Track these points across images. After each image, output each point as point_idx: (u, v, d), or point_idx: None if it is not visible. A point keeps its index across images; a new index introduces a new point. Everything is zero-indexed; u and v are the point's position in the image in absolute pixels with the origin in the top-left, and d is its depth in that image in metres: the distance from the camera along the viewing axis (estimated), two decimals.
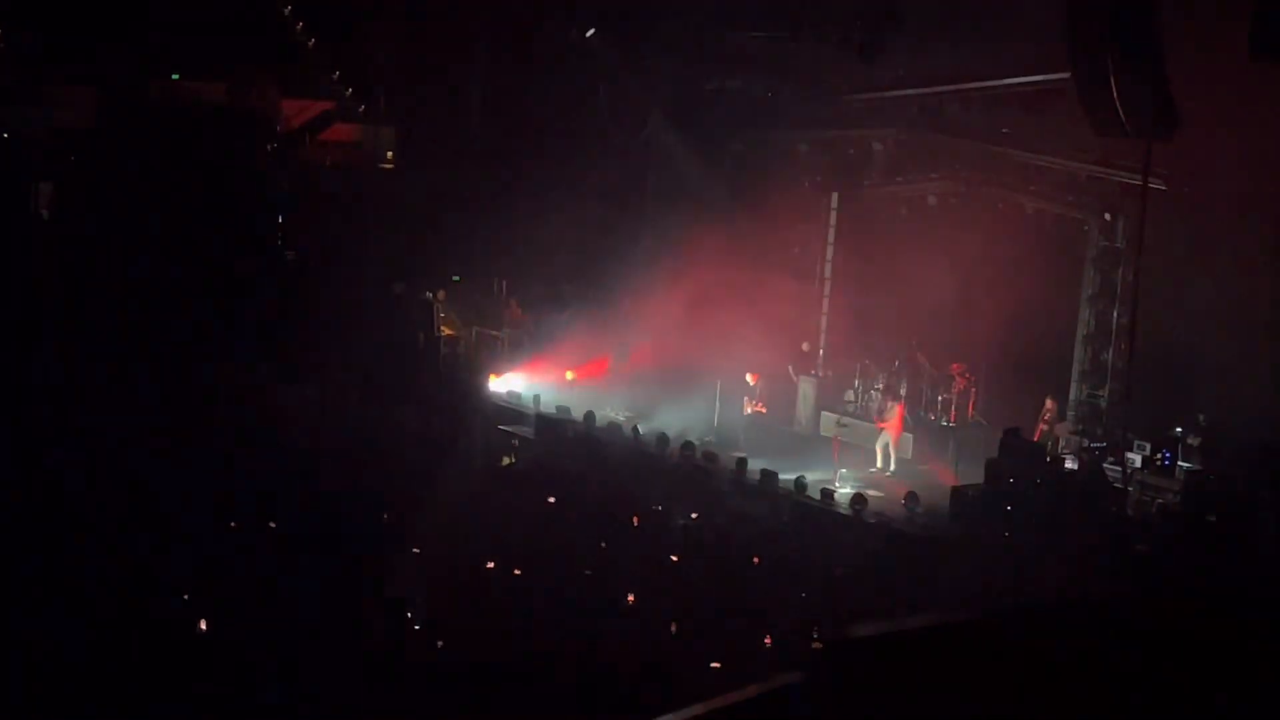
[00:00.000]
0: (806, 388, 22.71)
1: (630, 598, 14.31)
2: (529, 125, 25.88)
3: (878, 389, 21.72)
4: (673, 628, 13.36)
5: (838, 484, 19.18)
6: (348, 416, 20.94)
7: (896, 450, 20.17)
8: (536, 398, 23.14)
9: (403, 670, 12.31)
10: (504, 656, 12.41)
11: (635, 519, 17.55)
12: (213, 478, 16.99)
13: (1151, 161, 17.71)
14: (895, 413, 20.36)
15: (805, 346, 23.47)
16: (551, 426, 22.15)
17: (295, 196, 26.46)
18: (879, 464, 20.04)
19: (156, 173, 24.54)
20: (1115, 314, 19.86)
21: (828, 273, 23.50)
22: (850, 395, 22.22)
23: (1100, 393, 20.06)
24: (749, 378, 22.40)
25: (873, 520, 18.07)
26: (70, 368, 20.06)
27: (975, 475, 18.29)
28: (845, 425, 21.03)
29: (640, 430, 21.66)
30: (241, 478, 17.19)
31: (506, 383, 24.22)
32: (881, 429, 20.39)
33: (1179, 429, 18.33)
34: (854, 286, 22.93)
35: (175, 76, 26.42)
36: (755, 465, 19.61)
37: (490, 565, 15.06)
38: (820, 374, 23.02)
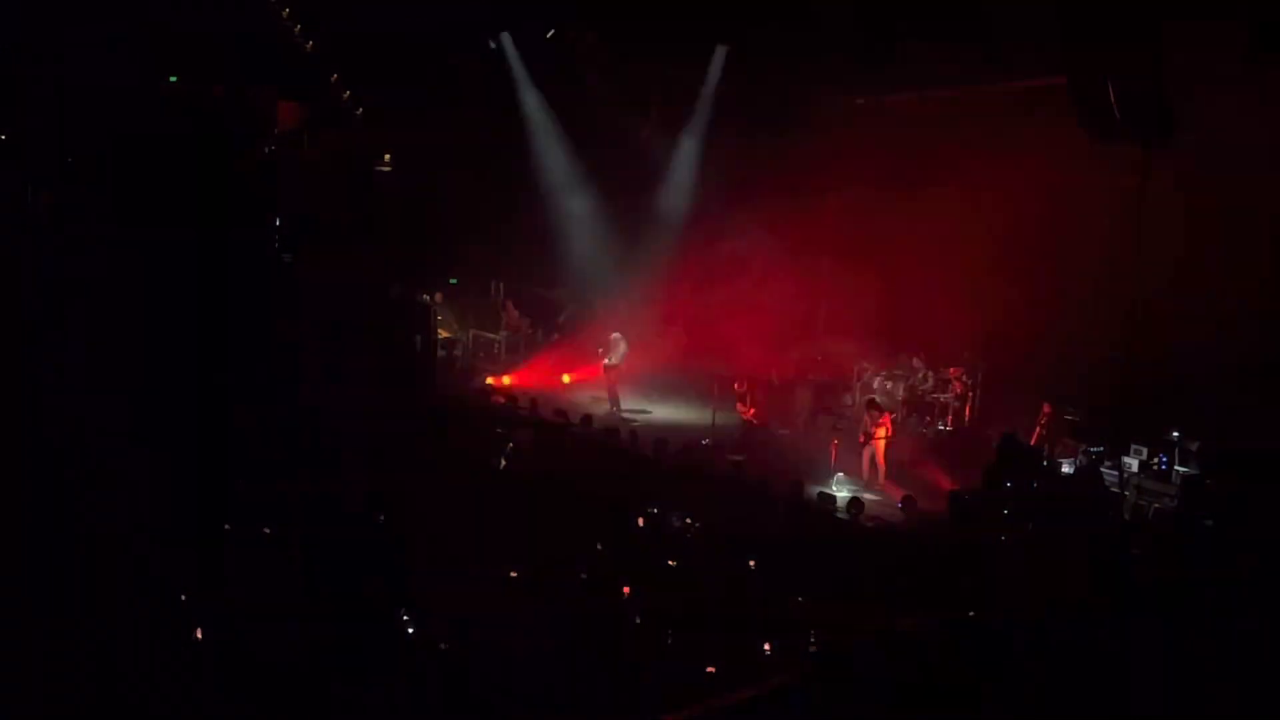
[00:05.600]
0: (804, 391, 22.71)
1: (625, 589, 14.30)
2: (526, 126, 25.91)
3: (873, 390, 21.66)
4: (669, 632, 13.33)
5: (835, 488, 19.16)
6: (343, 419, 20.88)
7: (884, 462, 19.98)
8: (533, 400, 23.14)
9: (401, 672, 12.29)
10: (502, 658, 12.40)
11: (634, 522, 17.51)
12: (206, 480, 16.94)
13: (1149, 165, 17.72)
14: (881, 424, 20.07)
15: (794, 354, 23.38)
16: (548, 429, 22.12)
17: (292, 198, 26.42)
18: (865, 476, 19.86)
19: (152, 174, 24.49)
20: (1113, 317, 19.85)
21: (825, 277, 23.53)
22: (848, 399, 22.21)
23: (1097, 396, 20.06)
24: (736, 386, 22.38)
25: (870, 524, 18.04)
26: (65, 368, 20.00)
27: (972, 479, 18.28)
28: (842, 429, 21.03)
29: (637, 433, 21.64)
30: (236, 481, 17.13)
31: (503, 385, 24.22)
32: (867, 442, 20.17)
33: (1176, 433, 18.34)
34: (851, 291, 22.93)
35: (173, 78, 26.39)
36: (752, 469, 19.59)
37: (487, 568, 15.03)
38: (816, 378, 23.03)
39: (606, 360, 23.68)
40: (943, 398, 21.36)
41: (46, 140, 25.34)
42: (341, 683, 11.73)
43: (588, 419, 22.08)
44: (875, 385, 21.73)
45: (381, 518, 16.46)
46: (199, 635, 12.63)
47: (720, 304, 22.48)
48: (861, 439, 20.08)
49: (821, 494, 18.80)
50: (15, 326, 21.28)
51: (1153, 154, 17.52)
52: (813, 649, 12.28)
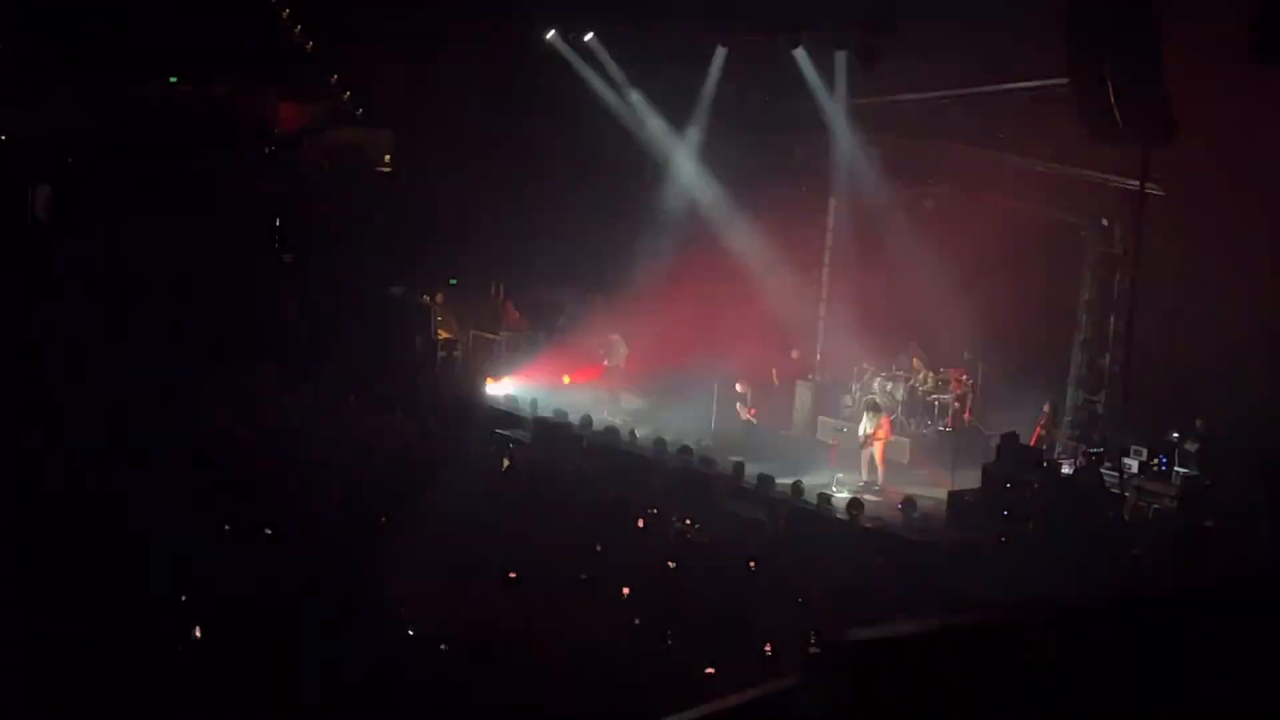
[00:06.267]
0: (804, 392, 22.67)
1: (625, 590, 14.29)
2: (526, 128, 25.85)
3: (873, 391, 21.59)
4: (669, 633, 13.32)
5: (835, 489, 19.14)
6: (344, 420, 20.88)
7: (884, 463, 19.94)
8: (533, 401, 23.11)
9: (401, 674, 12.28)
10: (501, 660, 12.39)
11: (635, 523, 17.49)
12: (207, 482, 16.93)
13: (1149, 167, 17.71)
14: (880, 426, 20.09)
15: (794, 354, 23.42)
16: (548, 430, 22.11)
17: (292, 199, 26.42)
18: (865, 477, 19.81)
19: (153, 176, 24.50)
20: (1113, 319, 19.86)
21: (825, 277, 23.50)
22: (848, 400, 22.17)
23: (1097, 398, 20.07)
24: (738, 386, 22.34)
25: (869, 525, 18.02)
26: (64, 371, 20.00)
27: (972, 480, 18.27)
28: (842, 430, 21.00)
29: (637, 434, 21.62)
30: (236, 482, 17.13)
31: (504, 386, 24.19)
32: (866, 444, 20.09)
33: (1176, 434, 18.34)
34: (851, 291, 22.89)
35: (173, 79, 26.41)
36: (752, 469, 19.57)
37: (488, 569, 15.02)
38: (816, 378, 23.02)
39: (606, 361, 23.68)
40: (943, 398, 21.33)
41: (46, 141, 25.37)
42: (341, 684, 11.72)
43: (588, 419, 22.07)
44: (875, 385, 21.70)
45: (384, 519, 16.46)
46: (198, 635, 12.63)
47: (721, 304, 22.42)
48: (861, 440, 20.04)
49: (821, 495, 18.78)
50: (12, 328, 21.28)
51: (1152, 154, 17.49)
52: (813, 649, 12.29)
